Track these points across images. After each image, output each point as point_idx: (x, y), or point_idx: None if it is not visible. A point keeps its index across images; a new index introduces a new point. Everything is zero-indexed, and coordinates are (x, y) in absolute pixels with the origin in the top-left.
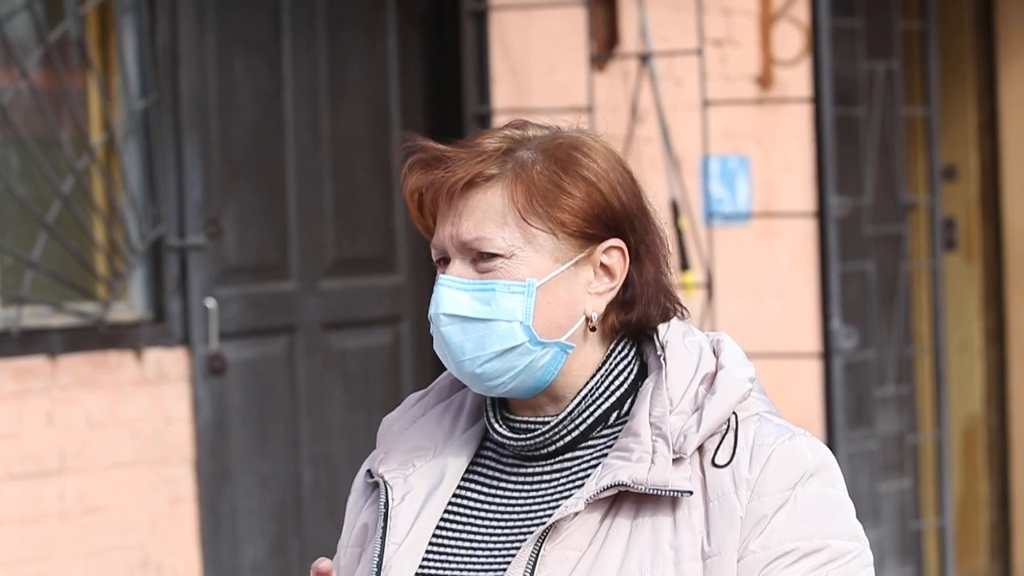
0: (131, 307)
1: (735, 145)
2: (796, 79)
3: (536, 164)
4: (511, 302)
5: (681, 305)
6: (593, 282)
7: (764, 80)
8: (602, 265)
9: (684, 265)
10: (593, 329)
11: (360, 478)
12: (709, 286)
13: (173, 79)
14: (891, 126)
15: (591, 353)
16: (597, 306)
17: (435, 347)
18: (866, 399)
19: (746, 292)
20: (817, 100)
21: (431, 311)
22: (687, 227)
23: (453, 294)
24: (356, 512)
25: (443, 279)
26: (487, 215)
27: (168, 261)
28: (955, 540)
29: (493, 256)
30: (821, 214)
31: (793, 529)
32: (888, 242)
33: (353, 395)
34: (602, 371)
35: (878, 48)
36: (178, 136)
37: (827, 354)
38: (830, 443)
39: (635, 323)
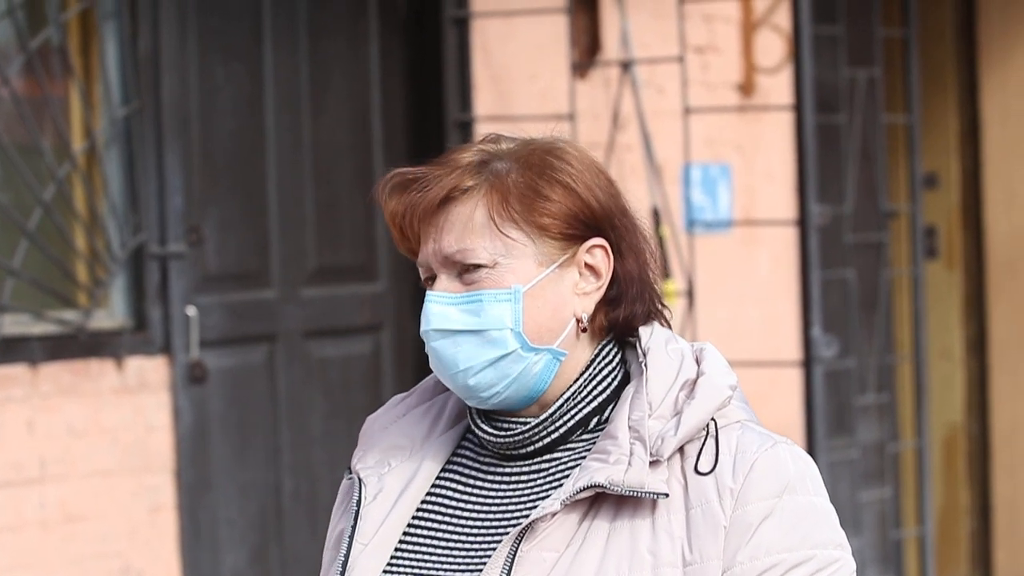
0: (112, 315)
1: (716, 153)
2: (778, 86)
3: (511, 173)
4: (499, 310)
5: (664, 304)
6: (579, 283)
7: (746, 87)
8: (587, 265)
9: (665, 273)
10: (584, 330)
11: (344, 480)
12: (690, 294)
13: (154, 86)
14: (872, 134)
15: (580, 355)
16: (586, 307)
17: (431, 365)
18: (847, 407)
19: (727, 300)
20: (799, 108)
21: (422, 328)
22: (668, 235)
23: (441, 309)
24: (338, 516)
25: (430, 296)
26: (467, 227)
27: (149, 269)
28: (935, 549)
29: (477, 267)
30: (802, 222)
31: (780, 539)
32: (869, 250)
33: (334, 403)
34: (587, 374)
35: (860, 56)
36: (159, 144)
37: (808, 362)
38: (811, 451)
39: (622, 321)
